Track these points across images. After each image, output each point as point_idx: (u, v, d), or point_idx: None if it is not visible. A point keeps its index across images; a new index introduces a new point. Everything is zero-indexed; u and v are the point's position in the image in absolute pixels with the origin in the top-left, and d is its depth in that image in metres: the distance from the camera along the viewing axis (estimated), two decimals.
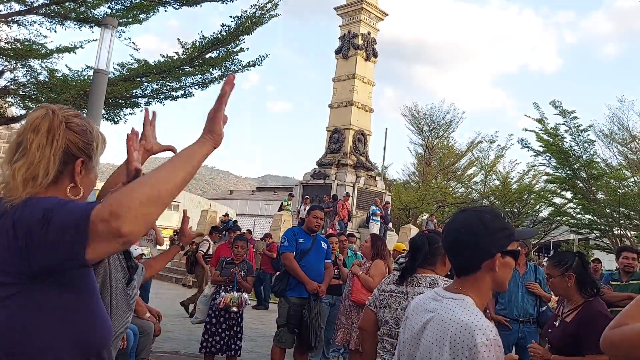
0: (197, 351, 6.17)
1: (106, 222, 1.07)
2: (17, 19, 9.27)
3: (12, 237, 1.16)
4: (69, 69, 9.98)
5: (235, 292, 5.50)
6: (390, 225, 20.31)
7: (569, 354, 2.87)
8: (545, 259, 19.85)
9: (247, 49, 10.94)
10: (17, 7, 9.02)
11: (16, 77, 9.83)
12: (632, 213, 21.32)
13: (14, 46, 9.33)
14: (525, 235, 1.75)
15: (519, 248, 1.67)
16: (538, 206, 29.85)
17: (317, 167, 21.21)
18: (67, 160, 1.31)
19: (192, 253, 10.31)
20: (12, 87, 9.68)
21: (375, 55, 21.75)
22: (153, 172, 1.16)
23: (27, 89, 9.75)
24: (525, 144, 22.44)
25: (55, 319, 1.20)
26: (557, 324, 3.08)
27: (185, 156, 1.22)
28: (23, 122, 1.31)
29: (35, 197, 1.22)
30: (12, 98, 10.00)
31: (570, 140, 20.83)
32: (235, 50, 10.83)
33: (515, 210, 29.85)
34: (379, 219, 17.66)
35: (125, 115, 10.65)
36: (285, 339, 5.34)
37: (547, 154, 22.11)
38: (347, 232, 10.32)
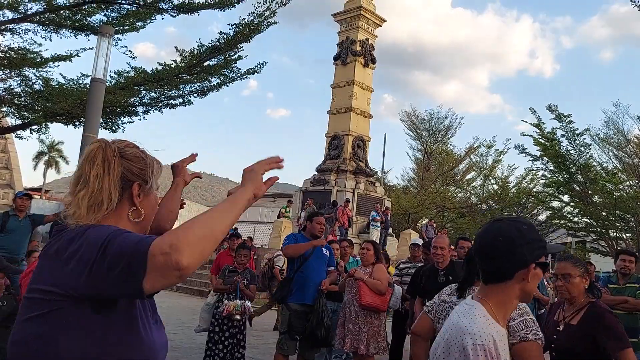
0: None
1: (167, 254, 1.16)
2: (11, 27, 9.21)
3: (72, 261, 1.25)
4: (64, 77, 9.92)
5: (238, 300, 5.44)
6: (390, 230, 20.26)
7: (579, 355, 2.86)
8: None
9: (246, 56, 10.91)
10: (10, 15, 8.95)
11: (10, 87, 9.75)
12: (627, 216, 21.51)
13: (7, 55, 9.21)
14: (552, 249, 1.76)
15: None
16: (536, 210, 29.83)
17: (316, 173, 21.19)
18: (125, 186, 1.42)
19: (268, 269, 9.88)
20: (6, 96, 9.60)
21: (373, 61, 21.80)
22: (207, 213, 1.29)
23: (22, 99, 9.67)
24: (522, 149, 22.63)
25: (94, 339, 1.25)
26: (561, 328, 3.04)
27: (232, 201, 1.36)
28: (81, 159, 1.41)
29: (97, 225, 1.31)
30: (6, 108, 9.92)
31: (567, 144, 21.09)
32: (233, 58, 10.78)
33: (514, 214, 29.85)
34: (379, 224, 17.62)
35: (123, 124, 10.60)
36: (287, 346, 5.30)
37: (545, 157, 22.29)
38: (347, 238, 10.26)
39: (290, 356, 5.42)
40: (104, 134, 10.74)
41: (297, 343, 5.33)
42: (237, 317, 5.35)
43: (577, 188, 21.75)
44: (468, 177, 33.92)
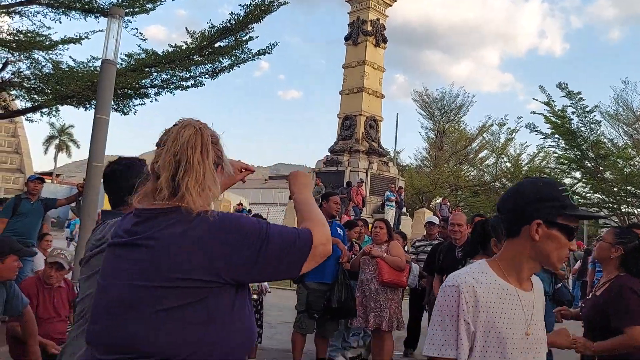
0: None
1: (324, 245, 1.37)
2: (20, 9, 9.10)
3: (207, 249, 1.25)
4: (74, 60, 9.82)
5: None
6: (404, 210, 20.19)
7: (598, 327, 2.81)
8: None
9: (257, 37, 10.73)
10: None
11: (20, 70, 9.65)
12: (638, 191, 21.58)
13: (16, 38, 9.09)
14: (583, 214, 1.60)
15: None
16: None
17: (329, 154, 21.11)
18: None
19: None
20: (15, 79, 9.54)
21: (384, 41, 21.53)
22: (316, 208, 1.51)
23: (32, 82, 9.59)
24: (534, 127, 22.63)
25: (231, 319, 1.29)
26: (589, 297, 3.08)
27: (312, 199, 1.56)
28: (170, 140, 1.36)
29: (218, 212, 1.33)
30: (16, 91, 9.86)
31: (577, 122, 21.18)
32: (244, 39, 10.62)
33: None
34: (394, 204, 17.58)
35: (134, 106, 10.52)
36: (306, 324, 5.33)
37: (556, 135, 22.26)
38: (362, 218, 10.25)
39: (308, 334, 5.43)
40: (115, 116, 10.74)
41: (315, 322, 5.35)
42: (254, 296, 5.33)
43: (589, 165, 21.84)
44: (481, 155, 33.73)
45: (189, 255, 1.25)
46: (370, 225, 8.11)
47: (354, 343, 6.92)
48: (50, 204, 6.60)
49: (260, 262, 1.29)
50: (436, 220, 7.25)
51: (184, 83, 10.81)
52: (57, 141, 46.06)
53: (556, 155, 24.55)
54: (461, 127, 33.96)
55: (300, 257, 1.33)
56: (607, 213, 23.68)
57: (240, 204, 24.34)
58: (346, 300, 5.22)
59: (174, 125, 1.41)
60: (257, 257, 1.28)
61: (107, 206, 2.31)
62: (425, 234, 7.35)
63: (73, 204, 6.96)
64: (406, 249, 6.96)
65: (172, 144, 1.35)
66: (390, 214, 16.86)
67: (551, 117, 21.64)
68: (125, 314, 1.24)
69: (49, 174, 36.09)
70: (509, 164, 31.58)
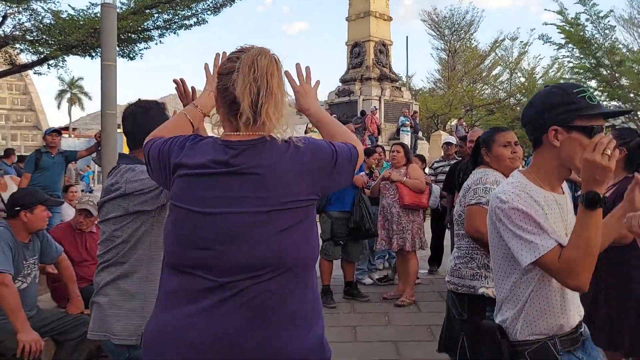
0: None
1: (362, 156, 1.56)
2: None
3: (310, 172, 1.38)
4: (73, 8, 9.57)
5: None
6: (420, 134, 20.03)
7: None
8: None
9: None
10: None
11: (20, 22, 9.40)
12: None
13: None
14: (603, 112, 1.54)
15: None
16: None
17: (340, 84, 20.75)
18: None
19: None
20: (17, 33, 9.35)
21: None
22: (338, 122, 1.66)
23: (34, 34, 9.40)
24: (547, 39, 21.90)
25: (314, 231, 1.46)
26: None
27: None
28: (243, 64, 1.35)
29: (301, 137, 1.43)
30: (20, 44, 9.70)
31: (592, 29, 20.31)
32: None
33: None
34: (409, 129, 17.42)
35: (140, 50, 10.34)
36: (332, 251, 5.48)
37: (570, 44, 21.51)
38: (380, 145, 10.21)
39: (335, 260, 5.59)
40: (122, 62, 10.59)
41: (340, 248, 5.49)
42: None
43: (604, 72, 21.21)
44: (494, 72, 32.87)
45: (297, 180, 1.36)
46: (387, 152, 8.09)
47: (379, 265, 7.11)
48: (71, 156, 6.69)
49: (334, 177, 1.44)
50: (453, 140, 7.18)
51: (186, 22, 10.52)
52: (68, 95, 46.06)
53: (571, 65, 23.83)
54: (472, 45, 32.95)
55: (354, 168, 1.48)
56: (623, 120, 23.32)
57: None
58: (361, 218, 5.33)
59: (238, 52, 1.40)
60: (332, 173, 1.43)
61: (126, 150, 2.30)
62: (442, 155, 7.32)
63: (94, 154, 7.05)
64: (426, 172, 6.97)
65: (249, 70, 1.34)
66: (405, 139, 16.74)
67: (564, 26, 20.85)
68: (241, 238, 1.32)
69: (65, 128, 36.28)
70: (522, 79, 30.73)
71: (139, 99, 2.23)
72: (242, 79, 1.33)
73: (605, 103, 23.62)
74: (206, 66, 1.78)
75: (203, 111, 1.67)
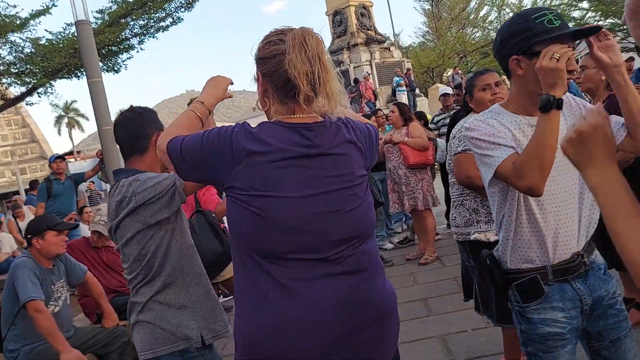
0: None
1: None
2: None
3: (366, 148, 1.52)
4: (50, 32, 9.57)
5: None
6: (417, 91, 19.84)
7: None
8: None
9: None
10: None
11: (1, 56, 9.49)
12: None
13: None
14: (561, 33, 1.47)
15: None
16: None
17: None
18: None
19: None
20: (1, 67, 9.41)
21: None
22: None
23: (18, 65, 9.45)
24: None
25: None
26: None
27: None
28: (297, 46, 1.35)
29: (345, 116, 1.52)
30: (6, 79, 9.76)
31: None
32: None
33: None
34: (404, 88, 17.22)
35: (123, 61, 10.34)
36: None
37: None
38: (379, 109, 10.14)
39: None
40: (108, 77, 10.55)
41: None
42: None
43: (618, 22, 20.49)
44: (482, 13, 32.14)
45: (361, 156, 1.49)
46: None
47: (398, 228, 7.16)
48: (79, 178, 6.81)
49: (374, 153, 1.61)
50: (449, 90, 7.12)
51: (162, 24, 10.47)
52: (66, 120, 46.48)
53: None
54: None
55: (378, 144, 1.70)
56: (621, 37, 22.74)
57: None
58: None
59: (277, 35, 1.41)
60: (373, 149, 1.60)
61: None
62: (441, 107, 7.26)
63: (99, 173, 7.14)
64: (430, 128, 6.94)
65: (301, 50, 1.34)
66: (403, 98, 16.58)
67: None
68: (337, 215, 1.41)
69: (70, 152, 36.62)
70: (512, 14, 30.06)
71: (131, 105, 2.16)
72: (296, 58, 1.33)
73: (600, 22, 23.05)
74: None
75: (209, 108, 1.67)
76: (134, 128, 2.01)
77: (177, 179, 1.80)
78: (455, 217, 2.64)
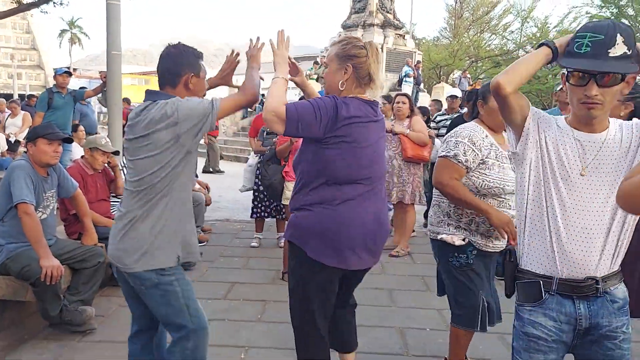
0: (247, 218, 6.51)
1: None
2: None
3: None
4: None
5: None
6: (422, 86, 19.79)
7: None
8: None
9: None
10: None
11: None
12: None
13: None
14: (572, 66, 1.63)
15: None
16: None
17: (342, 30, 20.23)
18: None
19: None
20: None
21: None
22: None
23: None
24: None
25: None
26: None
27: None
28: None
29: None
30: None
31: None
32: None
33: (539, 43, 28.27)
34: (412, 80, 17.17)
35: None
36: None
37: None
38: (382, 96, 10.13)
39: None
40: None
41: None
42: None
43: (626, 23, 20.22)
44: (504, 21, 31.84)
45: None
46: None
47: None
48: (78, 95, 6.73)
49: None
50: (459, 94, 7.18)
51: None
52: (69, 35, 45.67)
53: (589, 15, 22.75)
54: None
55: None
56: None
57: None
58: None
59: (360, 44, 2.27)
60: None
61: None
62: (446, 108, 7.32)
63: (99, 95, 7.06)
64: (430, 126, 7.01)
65: (376, 57, 2.27)
66: (407, 90, 16.56)
67: None
68: (381, 159, 2.32)
69: (71, 72, 35.86)
70: (535, 29, 29.77)
71: (179, 42, 2.32)
72: (374, 62, 2.25)
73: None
74: (271, 41, 2.34)
75: (286, 78, 2.30)
76: (172, 64, 2.20)
77: (214, 103, 2.11)
78: (431, 215, 2.76)
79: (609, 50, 1.52)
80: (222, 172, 12.79)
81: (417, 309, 4.04)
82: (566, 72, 1.63)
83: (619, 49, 1.51)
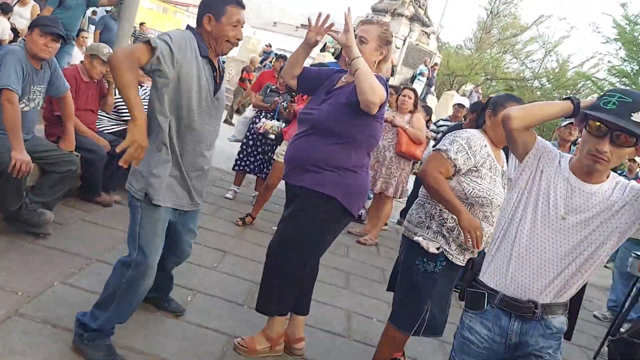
0: (228, 169, 6.46)
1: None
2: None
3: None
4: None
5: (275, 120, 5.52)
6: (433, 89, 19.70)
7: None
8: None
9: None
10: None
11: None
12: None
13: None
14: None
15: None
16: (590, 97, 28.30)
17: (370, 12, 19.93)
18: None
19: None
20: None
21: None
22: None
23: None
24: (596, 28, 20.67)
25: None
26: None
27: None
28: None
29: None
30: None
31: None
32: None
33: (565, 97, 28.39)
34: (425, 79, 17.07)
35: None
36: None
37: (618, 42, 20.34)
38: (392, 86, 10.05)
39: None
40: None
41: None
42: (272, 136, 5.48)
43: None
44: (529, 48, 31.76)
45: None
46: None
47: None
48: (92, 1, 6.46)
49: None
50: (466, 103, 7.18)
51: None
52: None
53: (610, 65, 22.76)
54: (517, 13, 31.56)
55: None
56: None
57: (269, 45, 23.67)
58: None
59: (387, 25, 2.61)
60: None
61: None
62: (450, 115, 7.30)
63: (113, 7, 6.85)
64: (428, 127, 6.98)
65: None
66: (418, 89, 16.46)
67: (620, 22, 19.69)
68: None
69: None
70: (555, 64, 29.73)
71: None
72: (391, 45, 2.63)
73: None
74: (347, 18, 2.46)
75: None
76: (202, 6, 2.29)
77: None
78: (412, 212, 2.66)
79: (632, 114, 1.58)
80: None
81: (369, 297, 4.07)
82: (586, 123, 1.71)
83: None
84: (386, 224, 6.28)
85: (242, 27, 2.29)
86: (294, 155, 2.58)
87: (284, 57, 7.37)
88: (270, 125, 5.44)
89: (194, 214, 2.55)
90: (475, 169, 2.47)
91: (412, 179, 6.44)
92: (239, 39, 2.28)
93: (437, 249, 2.50)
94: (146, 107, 2.18)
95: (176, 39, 2.13)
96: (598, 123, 1.64)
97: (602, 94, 1.72)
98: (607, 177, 1.76)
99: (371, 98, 2.30)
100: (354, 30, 2.44)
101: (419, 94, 16.45)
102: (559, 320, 1.80)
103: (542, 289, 1.75)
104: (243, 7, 2.28)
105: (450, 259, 2.51)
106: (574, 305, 1.86)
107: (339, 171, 2.47)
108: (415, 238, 2.55)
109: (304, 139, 2.54)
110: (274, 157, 5.07)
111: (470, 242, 2.42)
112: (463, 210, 2.41)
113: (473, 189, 2.46)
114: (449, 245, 2.51)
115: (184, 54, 2.15)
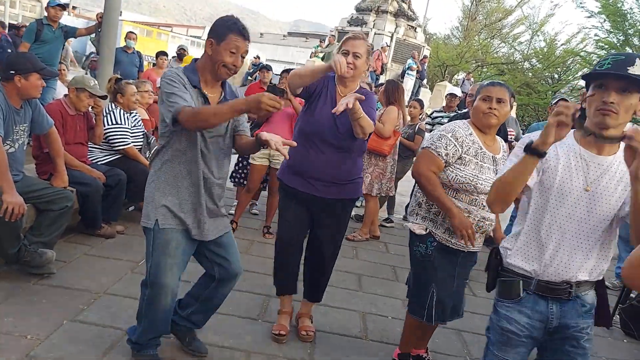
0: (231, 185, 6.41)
1: None
2: None
3: None
4: None
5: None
6: (424, 82, 19.67)
7: None
8: None
9: None
10: None
11: None
12: None
13: None
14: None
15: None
16: (580, 73, 28.19)
17: (355, 12, 20.00)
18: None
19: None
20: None
21: None
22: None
23: None
24: (581, 3, 20.70)
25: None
26: None
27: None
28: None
29: None
30: None
31: (632, 2, 19.15)
32: None
33: (556, 75, 28.38)
34: (414, 73, 17.00)
35: None
36: None
37: (602, 15, 20.38)
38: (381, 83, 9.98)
39: None
40: None
41: None
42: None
43: (630, 52, 20.22)
44: (516, 31, 31.74)
45: None
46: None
47: (358, 203, 7.20)
48: (70, 32, 6.40)
49: None
50: (458, 93, 7.08)
51: None
52: None
53: (597, 38, 22.78)
54: None
55: None
56: None
57: (258, 57, 23.72)
58: None
59: (366, 37, 2.79)
60: None
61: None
62: (444, 105, 7.23)
63: (93, 35, 6.82)
64: (421, 118, 6.93)
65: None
66: (409, 83, 16.43)
67: None
68: None
69: (66, 5, 34.78)
70: (543, 43, 29.70)
71: (232, 15, 2.41)
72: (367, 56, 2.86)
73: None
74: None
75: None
76: (209, 31, 2.32)
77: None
78: (410, 203, 2.85)
79: (628, 67, 1.62)
80: None
81: (382, 296, 4.01)
82: (586, 90, 1.74)
83: (638, 69, 1.62)
84: (392, 221, 6.24)
85: (243, 56, 2.29)
86: (326, 172, 2.86)
87: (267, 68, 7.28)
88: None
89: (219, 243, 2.52)
90: (459, 157, 2.50)
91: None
92: (235, 66, 2.26)
93: (425, 229, 2.59)
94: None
95: (174, 84, 2.21)
96: (599, 81, 1.67)
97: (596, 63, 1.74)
98: (618, 148, 1.76)
99: (366, 135, 2.80)
100: (339, 43, 2.70)
101: (411, 87, 16.43)
102: (591, 296, 1.84)
103: (577, 269, 1.77)
104: (245, 37, 2.27)
105: (439, 240, 2.57)
106: (600, 287, 1.87)
107: (360, 176, 3.05)
108: (405, 224, 2.74)
109: (334, 158, 2.85)
110: (250, 160, 5.16)
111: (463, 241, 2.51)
112: (454, 210, 2.48)
113: (456, 175, 2.50)
114: (437, 228, 2.58)
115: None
